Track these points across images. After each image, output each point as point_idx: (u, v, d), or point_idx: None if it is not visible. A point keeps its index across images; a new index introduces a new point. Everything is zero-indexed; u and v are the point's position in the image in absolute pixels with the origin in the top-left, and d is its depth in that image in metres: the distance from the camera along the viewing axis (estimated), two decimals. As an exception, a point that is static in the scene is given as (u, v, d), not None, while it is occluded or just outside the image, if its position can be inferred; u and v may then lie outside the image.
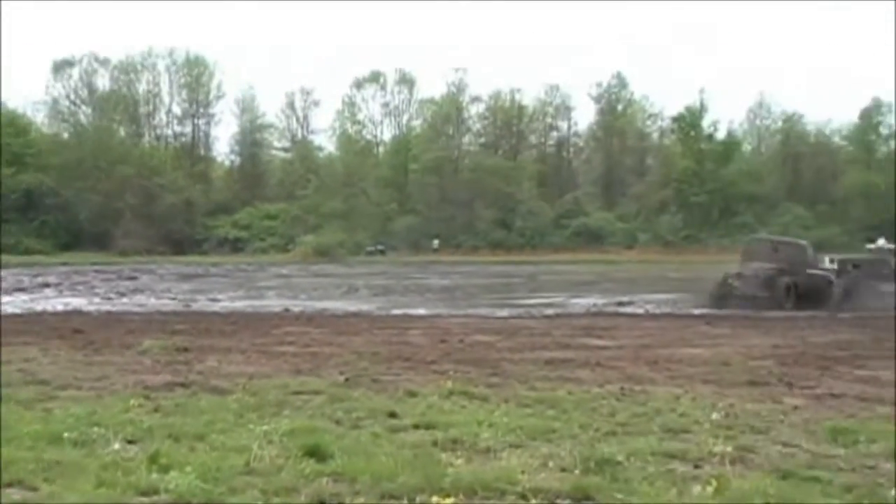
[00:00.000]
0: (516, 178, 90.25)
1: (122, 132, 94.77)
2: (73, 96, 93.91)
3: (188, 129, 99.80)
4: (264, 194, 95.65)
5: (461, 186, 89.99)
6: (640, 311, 26.69)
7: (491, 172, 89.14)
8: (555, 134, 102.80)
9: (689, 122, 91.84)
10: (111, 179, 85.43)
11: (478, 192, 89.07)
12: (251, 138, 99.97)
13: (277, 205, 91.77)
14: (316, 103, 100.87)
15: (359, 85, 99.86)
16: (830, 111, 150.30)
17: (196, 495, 5.73)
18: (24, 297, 32.76)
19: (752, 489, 6.09)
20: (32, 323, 21.32)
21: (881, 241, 46.76)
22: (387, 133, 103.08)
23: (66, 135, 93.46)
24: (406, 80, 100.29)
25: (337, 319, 23.59)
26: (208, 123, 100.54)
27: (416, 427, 8.52)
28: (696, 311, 26.26)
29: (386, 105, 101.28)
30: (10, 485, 6.00)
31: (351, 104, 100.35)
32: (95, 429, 7.74)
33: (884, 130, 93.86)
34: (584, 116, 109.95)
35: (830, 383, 11.98)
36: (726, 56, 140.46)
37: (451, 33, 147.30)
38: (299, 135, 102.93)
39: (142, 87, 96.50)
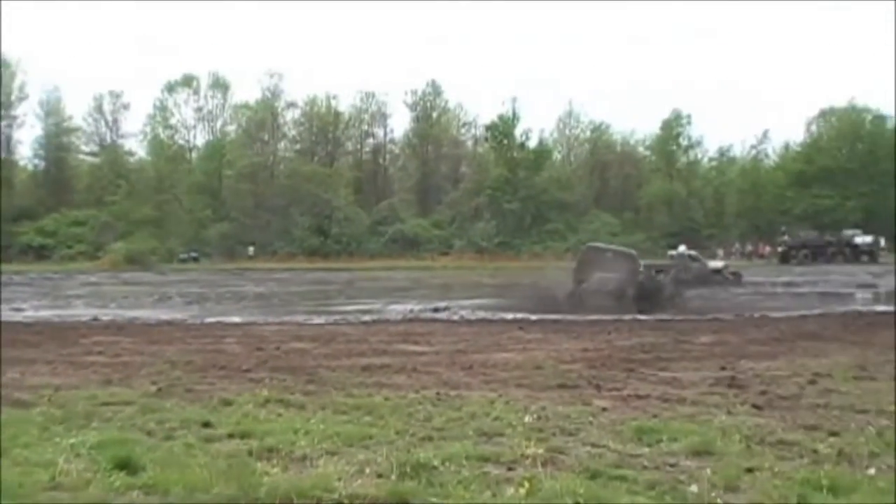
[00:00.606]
0: (332, 185, 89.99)
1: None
2: None
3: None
4: (71, 200, 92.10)
5: (277, 193, 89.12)
6: (456, 316, 27.01)
7: (307, 179, 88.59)
8: (371, 141, 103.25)
9: (501, 130, 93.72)
10: None
11: (294, 198, 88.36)
12: (56, 142, 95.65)
13: (85, 211, 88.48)
14: (126, 107, 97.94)
15: (171, 88, 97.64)
16: (635, 122, 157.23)
17: (-2, 514, 5.50)
18: None
19: (562, 489, 6.26)
20: None
21: (682, 248, 49.16)
22: (200, 138, 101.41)
23: None
24: (220, 85, 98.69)
25: (149, 328, 22.89)
26: (10, 126, 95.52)
27: (231, 436, 8.40)
28: (510, 317, 26.75)
29: (199, 109, 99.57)
30: None
31: (163, 108, 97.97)
32: None
33: (683, 141, 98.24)
34: (400, 124, 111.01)
35: (636, 385, 12.37)
36: (537, 65, 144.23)
37: (266, 38, 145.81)
38: (108, 139, 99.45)
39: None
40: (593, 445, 8.10)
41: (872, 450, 7.78)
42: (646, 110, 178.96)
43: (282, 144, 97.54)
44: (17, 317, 27.30)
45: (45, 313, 28.85)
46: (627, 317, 26.16)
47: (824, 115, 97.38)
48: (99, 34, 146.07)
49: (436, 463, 7.02)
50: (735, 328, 21.88)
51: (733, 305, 30.57)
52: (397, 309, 29.61)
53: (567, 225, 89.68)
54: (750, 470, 7.01)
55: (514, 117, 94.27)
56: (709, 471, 6.88)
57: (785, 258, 70.73)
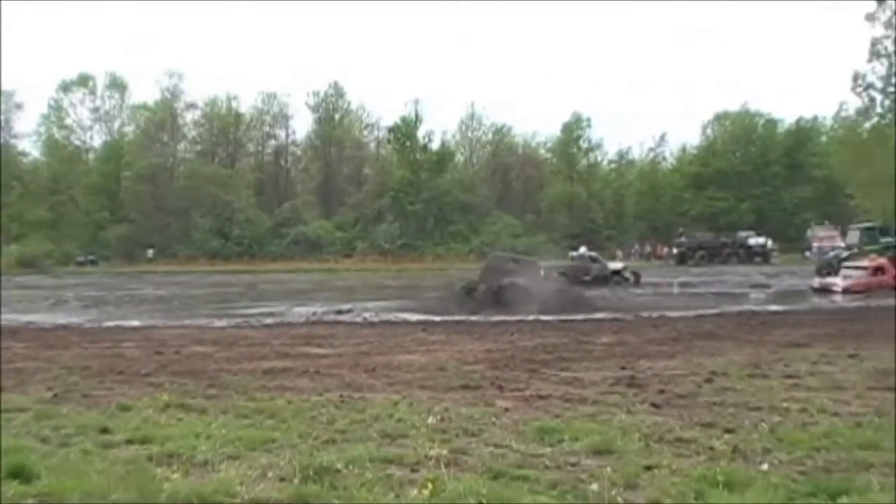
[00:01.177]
0: (234, 187, 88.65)
1: None
2: None
3: None
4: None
5: (176, 194, 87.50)
6: (359, 319, 26.96)
7: (207, 180, 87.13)
8: (273, 142, 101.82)
9: (404, 132, 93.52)
10: None
11: (194, 200, 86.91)
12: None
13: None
14: (19, 106, 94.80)
15: (66, 88, 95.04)
16: (536, 124, 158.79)
17: None
18: None
19: (465, 490, 6.31)
20: None
21: (582, 249, 49.82)
22: (97, 139, 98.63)
23: None
24: (117, 85, 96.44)
25: (44, 333, 22.37)
26: None
27: (130, 442, 8.29)
28: (413, 318, 26.80)
29: (96, 110, 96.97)
30: None
31: (58, 108, 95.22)
32: None
33: (583, 144, 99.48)
34: (302, 125, 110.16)
35: (538, 385, 12.52)
36: (439, 67, 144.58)
37: (166, 37, 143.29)
38: (0, 139, 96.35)
39: None
40: (496, 446, 8.18)
41: (765, 446, 8.02)
42: (547, 113, 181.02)
43: (181, 146, 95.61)
44: None
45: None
46: (530, 318, 26.43)
47: (719, 118, 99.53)
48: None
49: (339, 466, 7.02)
50: (634, 328, 22.31)
51: (634, 305, 31.17)
52: (300, 312, 29.44)
53: (470, 227, 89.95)
54: (649, 468, 7.16)
55: (417, 119, 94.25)
56: (609, 469, 7.01)
57: (682, 259, 71.99)
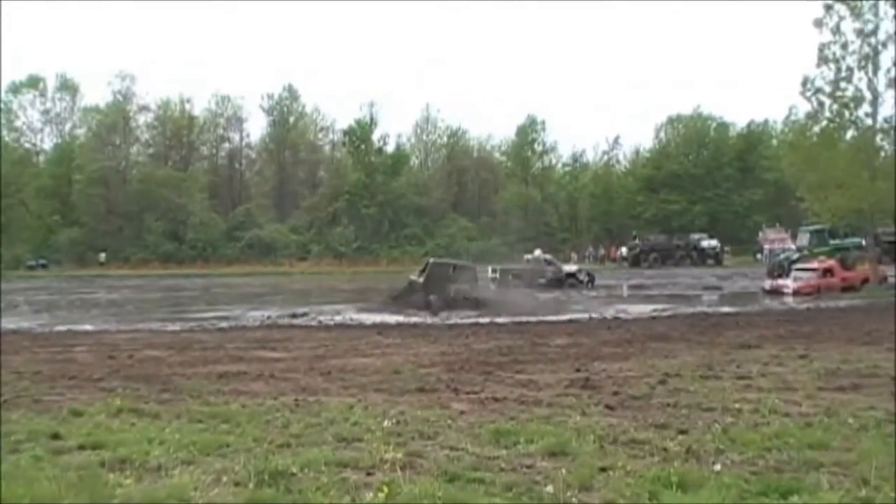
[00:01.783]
0: (187, 190, 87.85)
1: None
2: None
3: None
4: None
5: (129, 198, 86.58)
6: (314, 322, 26.89)
7: (161, 184, 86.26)
8: (227, 145, 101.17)
9: (359, 135, 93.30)
10: None
11: (147, 203, 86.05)
12: None
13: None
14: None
15: (15, 90, 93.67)
16: (491, 127, 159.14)
17: None
18: None
19: (421, 493, 6.33)
20: None
21: (537, 252, 50.01)
22: (48, 141, 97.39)
23: None
24: (68, 87, 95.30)
25: (-7, 338, 22.06)
26: None
27: (82, 448, 8.21)
28: (368, 321, 26.79)
29: (46, 112, 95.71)
30: None
31: (7, 110, 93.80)
32: None
33: (538, 147, 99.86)
34: (256, 128, 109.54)
35: (493, 388, 12.56)
36: (394, 70, 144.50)
37: (117, 37, 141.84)
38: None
39: None
40: (451, 449, 8.20)
41: (718, 447, 8.12)
42: (502, 116, 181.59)
43: (134, 148, 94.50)
44: None
45: None
46: (485, 320, 26.52)
47: (672, 121, 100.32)
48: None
49: (294, 469, 7.01)
50: (589, 330, 22.44)
51: (588, 308, 31.35)
52: (255, 315, 29.28)
53: (425, 230, 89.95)
54: (603, 469, 7.22)
55: (372, 122, 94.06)
56: (564, 471, 7.05)
57: (636, 261, 72.49)
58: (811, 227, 48.38)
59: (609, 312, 28.87)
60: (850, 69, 38.53)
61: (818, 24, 38.70)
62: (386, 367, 14.81)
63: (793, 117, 79.75)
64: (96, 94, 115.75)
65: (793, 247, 54.50)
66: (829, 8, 38.58)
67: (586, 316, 27.77)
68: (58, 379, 13.57)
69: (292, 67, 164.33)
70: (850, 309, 29.34)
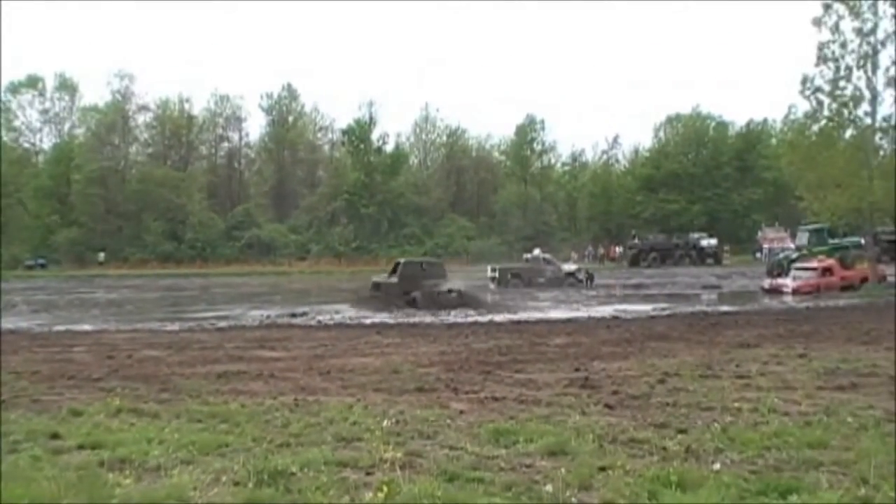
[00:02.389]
0: (186, 190, 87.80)
1: None
2: None
3: None
4: None
5: (128, 197, 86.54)
6: (313, 321, 26.88)
7: (159, 183, 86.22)
8: (226, 145, 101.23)
9: (358, 134, 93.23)
10: None
11: (146, 203, 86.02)
12: None
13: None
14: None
15: (14, 90, 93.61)
16: (490, 127, 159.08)
17: None
18: None
19: (420, 492, 6.32)
20: None
21: (537, 251, 50.01)
22: (47, 141, 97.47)
23: None
24: (67, 86, 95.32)
25: (-9, 338, 22.03)
26: None
27: (82, 447, 8.20)
28: (368, 321, 26.80)
29: (45, 111, 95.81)
30: None
31: (6, 110, 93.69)
32: None
33: (537, 146, 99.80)
34: (256, 128, 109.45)
35: (493, 387, 12.55)
36: (394, 69, 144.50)
37: (116, 37, 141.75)
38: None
39: None
40: (451, 448, 8.19)
41: (718, 446, 8.11)
42: (501, 115, 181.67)
43: (133, 148, 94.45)
44: None
45: None
46: (484, 319, 26.55)
47: (671, 120, 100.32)
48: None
49: (294, 469, 7.00)
50: (588, 330, 22.43)
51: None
52: (254, 315, 29.27)
53: (423, 229, 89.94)
54: (603, 468, 7.20)
55: (371, 121, 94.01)
56: (563, 470, 7.04)
57: (635, 261, 72.44)
58: (810, 227, 48.38)
59: (604, 311, 28.93)
60: (849, 68, 38.57)
61: (817, 23, 38.73)
62: (385, 367, 14.80)
63: (792, 116, 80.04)
64: (95, 94, 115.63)
65: (792, 246, 54.53)
66: (828, 7, 38.61)
67: (583, 315, 27.83)
68: (57, 379, 13.56)
69: (291, 67, 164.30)
70: (849, 308, 29.35)
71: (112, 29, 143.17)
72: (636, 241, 75.22)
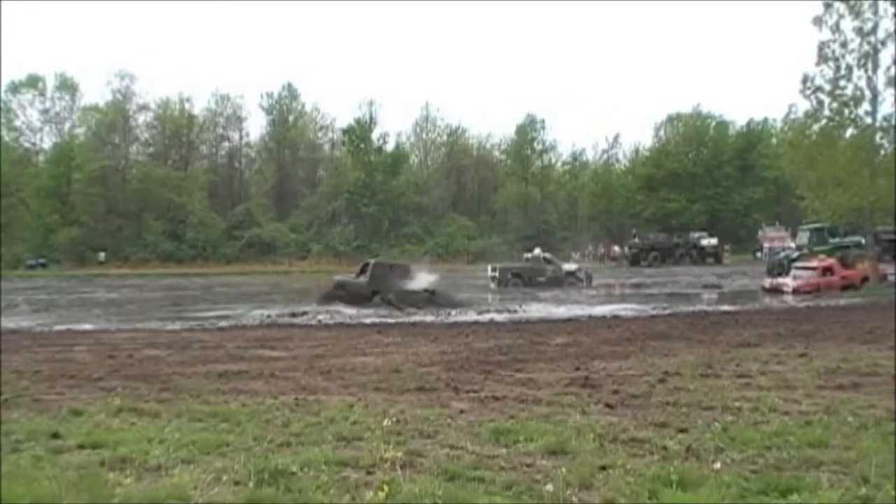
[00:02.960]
0: (187, 189, 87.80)
1: None
2: None
3: None
4: None
5: (129, 197, 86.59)
6: (314, 321, 26.89)
7: (160, 183, 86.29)
8: (226, 144, 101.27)
9: (358, 134, 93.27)
10: None
11: (146, 203, 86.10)
12: None
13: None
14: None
15: (14, 89, 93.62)
16: (490, 126, 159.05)
17: None
18: None
19: (421, 492, 6.31)
20: None
21: (537, 251, 49.99)
22: (47, 141, 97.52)
23: None
24: (67, 86, 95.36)
25: (-8, 338, 22.02)
26: None
27: (82, 447, 8.19)
28: (368, 320, 26.81)
29: (46, 111, 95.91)
30: None
31: (6, 110, 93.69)
32: None
33: (537, 145, 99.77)
34: (256, 127, 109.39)
35: (493, 386, 12.55)
36: (394, 69, 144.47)
37: (117, 37, 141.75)
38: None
39: None
40: (452, 447, 8.18)
41: (718, 445, 8.10)
42: (502, 114, 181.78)
43: (134, 148, 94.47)
44: None
45: None
46: (485, 319, 26.58)
47: (671, 120, 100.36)
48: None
49: (294, 469, 6.99)
50: (588, 329, 22.42)
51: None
52: (254, 314, 29.27)
53: (424, 228, 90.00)
54: (603, 468, 7.20)
55: (371, 121, 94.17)
56: (564, 470, 7.02)
57: (635, 260, 72.35)
58: (811, 226, 48.41)
59: (599, 310, 28.95)
60: (849, 67, 38.57)
61: (818, 22, 38.75)
62: (386, 366, 14.79)
63: (792, 115, 79.86)
64: (96, 94, 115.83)
65: (792, 245, 54.55)
66: (828, 6, 38.63)
67: (582, 313, 27.85)
68: (57, 378, 13.56)
69: (292, 66, 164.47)
70: (850, 307, 29.33)
71: (112, 28, 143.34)
72: (637, 240, 75.13)
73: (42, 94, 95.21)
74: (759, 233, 75.53)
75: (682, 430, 8.88)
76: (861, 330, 20.65)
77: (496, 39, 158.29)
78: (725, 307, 30.83)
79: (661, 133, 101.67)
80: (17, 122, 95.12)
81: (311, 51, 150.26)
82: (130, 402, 10.83)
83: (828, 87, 38.84)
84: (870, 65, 38.44)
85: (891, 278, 39.70)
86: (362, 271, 35.92)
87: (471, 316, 28.22)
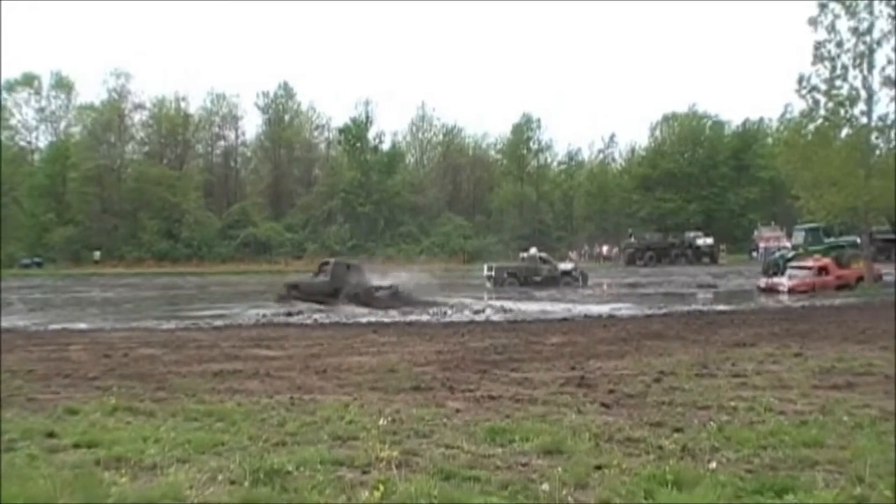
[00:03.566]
0: (182, 188, 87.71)
1: None
2: None
3: None
4: None
5: (124, 196, 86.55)
6: (309, 320, 26.88)
7: (155, 182, 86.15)
8: (222, 143, 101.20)
9: (354, 133, 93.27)
10: None
11: (142, 201, 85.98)
12: None
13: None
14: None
15: (10, 88, 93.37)
16: (486, 125, 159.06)
17: None
18: None
19: (416, 491, 6.31)
20: None
21: (533, 250, 50.04)
22: (43, 140, 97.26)
23: None
24: (63, 85, 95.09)
25: (-14, 337, 21.96)
26: None
27: (77, 446, 8.18)
28: (364, 320, 26.82)
29: (41, 110, 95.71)
30: None
31: (2, 108, 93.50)
32: None
33: (533, 145, 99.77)
34: (252, 126, 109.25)
35: (489, 386, 12.54)
36: (389, 68, 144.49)
37: (113, 36, 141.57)
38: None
39: None
40: (447, 447, 8.18)
41: (714, 445, 8.10)
42: (497, 114, 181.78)
43: (129, 147, 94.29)
44: None
45: None
46: (481, 318, 26.60)
47: (667, 119, 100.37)
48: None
49: (290, 468, 6.98)
50: (584, 328, 22.44)
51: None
52: (250, 314, 29.25)
53: (420, 228, 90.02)
54: (599, 467, 7.20)
55: (367, 120, 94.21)
56: (559, 469, 7.02)
57: (631, 259, 72.43)
58: (806, 226, 48.50)
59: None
60: (845, 67, 38.63)
61: (813, 22, 38.81)
62: (381, 366, 14.78)
63: (788, 115, 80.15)
64: (91, 92, 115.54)
65: (788, 245, 54.66)
66: (823, 6, 38.68)
67: (579, 312, 27.86)
68: (52, 377, 13.54)
69: (288, 65, 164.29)
70: (845, 307, 29.36)
71: (108, 27, 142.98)
72: (633, 239, 75.19)
73: (38, 92, 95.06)
74: (755, 232, 75.64)
75: (678, 430, 8.88)
76: (856, 330, 20.67)
77: (492, 39, 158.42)
78: (721, 307, 30.84)
79: (657, 133, 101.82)
80: (13, 121, 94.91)
81: (308, 50, 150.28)
82: (126, 401, 10.81)
83: (823, 87, 38.91)
84: (865, 65, 38.52)
85: (887, 278, 39.78)
86: (321, 270, 37.01)
87: (466, 315, 28.23)
